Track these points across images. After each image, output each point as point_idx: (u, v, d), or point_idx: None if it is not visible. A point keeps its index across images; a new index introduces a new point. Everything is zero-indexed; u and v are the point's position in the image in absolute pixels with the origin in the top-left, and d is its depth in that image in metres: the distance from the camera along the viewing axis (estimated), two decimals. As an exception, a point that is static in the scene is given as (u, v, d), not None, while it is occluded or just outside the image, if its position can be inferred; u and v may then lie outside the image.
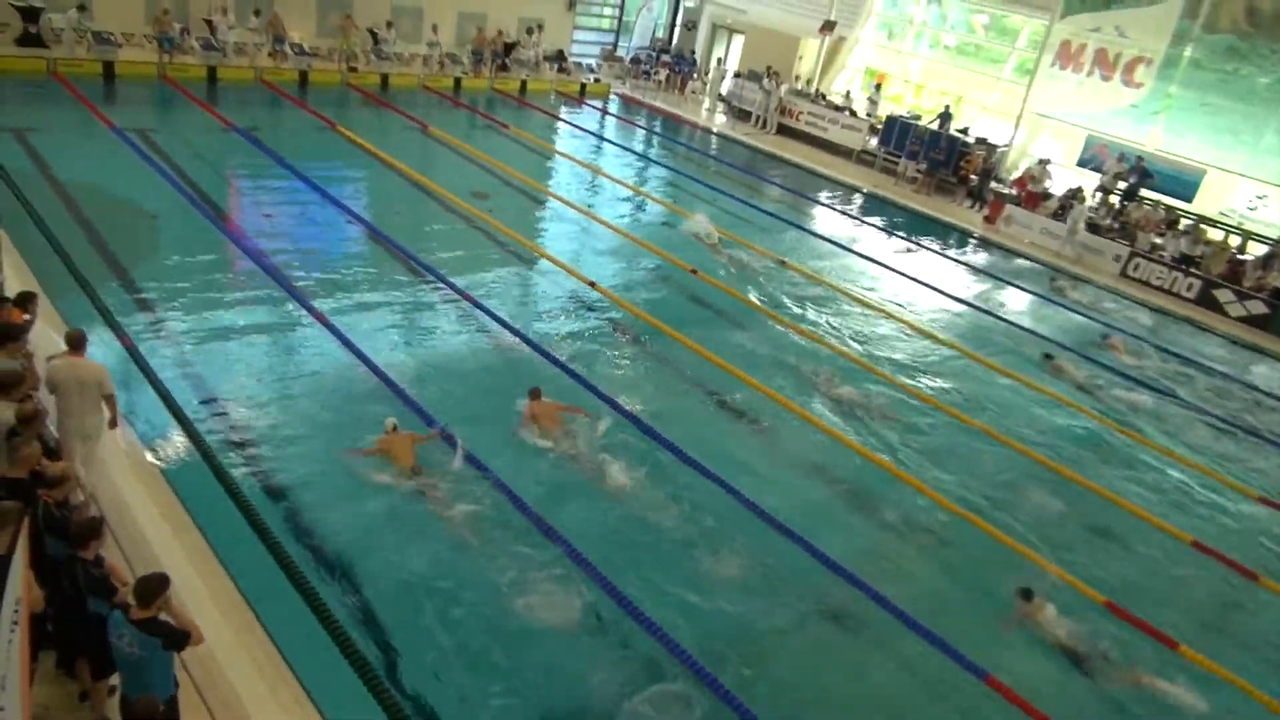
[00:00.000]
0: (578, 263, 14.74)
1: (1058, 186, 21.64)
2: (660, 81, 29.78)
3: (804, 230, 18.97)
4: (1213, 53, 20.73)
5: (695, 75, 30.23)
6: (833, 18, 26.66)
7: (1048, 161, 22.13)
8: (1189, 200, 20.87)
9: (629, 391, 10.83)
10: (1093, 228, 20.25)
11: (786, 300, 14.71)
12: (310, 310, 11.44)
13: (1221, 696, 7.78)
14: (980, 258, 19.66)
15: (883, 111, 25.48)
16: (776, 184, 22.13)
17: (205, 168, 15.98)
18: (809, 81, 27.77)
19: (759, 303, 14.35)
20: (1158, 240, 19.66)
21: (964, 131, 23.69)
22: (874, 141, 24.83)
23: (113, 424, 7.46)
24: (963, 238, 20.79)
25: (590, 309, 13.24)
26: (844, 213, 21.16)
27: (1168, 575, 9.48)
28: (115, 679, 5.37)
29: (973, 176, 22.76)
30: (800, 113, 26.34)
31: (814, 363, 12.39)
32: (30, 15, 19.54)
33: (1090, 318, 16.70)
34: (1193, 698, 7.69)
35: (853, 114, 25.70)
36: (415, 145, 20.29)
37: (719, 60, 30.25)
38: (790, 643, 7.67)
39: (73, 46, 19.98)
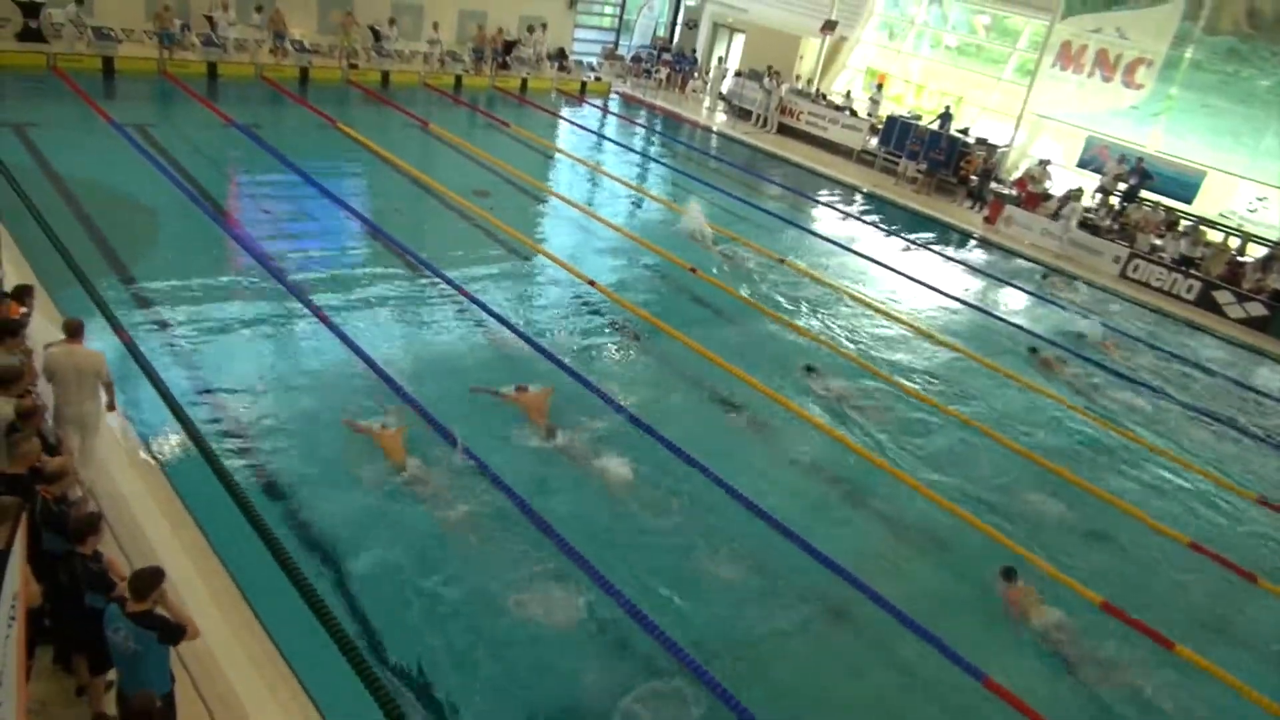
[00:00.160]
0: (577, 261, 14.73)
1: (1058, 187, 21.64)
2: (661, 80, 29.76)
3: (803, 229, 18.96)
4: (1213, 54, 20.74)
5: (696, 74, 30.22)
6: (834, 17, 26.66)
7: (1048, 162, 22.14)
8: (1189, 202, 20.88)
9: (628, 389, 10.83)
10: (1093, 229, 20.27)
11: (786, 299, 14.71)
12: (309, 306, 11.43)
13: (1218, 696, 7.79)
14: (980, 258, 19.65)
15: (884, 112, 25.47)
16: (776, 183, 22.12)
17: (205, 164, 15.97)
18: (809, 81, 27.77)
19: (758, 301, 14.34)
20: (1157, 242, 19.67)
21: (964, 132, 23.70)
22: (874, 141, 24.83)
23: (110, 406, 7.50)
24: (963, 238, 20.79)
25: (589, 307, 13.23)
26: (844, 212, 21.16)
27: (1165, 576, 9.48)
28: (112, 674, 5.37)
29: (973, 177, 22.75)
30: (801, 112, 26.33)
31: (813, 361, 12.37)
32: (30, 10, 19.53)
33: (1087, 317, 16.70)
34: (1189, 698, 7.70)
35: (853, 114, 25.70)
36: (416, 143, 20.28)
37: (720, 59, 30.26)
38: (788, 642, 7.66)
39: (73, 42, 19.96)
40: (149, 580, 4.95)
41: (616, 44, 32.05)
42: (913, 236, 19.90)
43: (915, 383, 12.57)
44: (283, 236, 13.80)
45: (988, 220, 21.50)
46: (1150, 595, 9.01)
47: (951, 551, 9.13)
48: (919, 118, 24.56)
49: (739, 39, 30.78)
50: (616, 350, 12.20)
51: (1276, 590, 9.45)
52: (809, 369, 12.16)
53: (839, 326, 14.11)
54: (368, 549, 7.60)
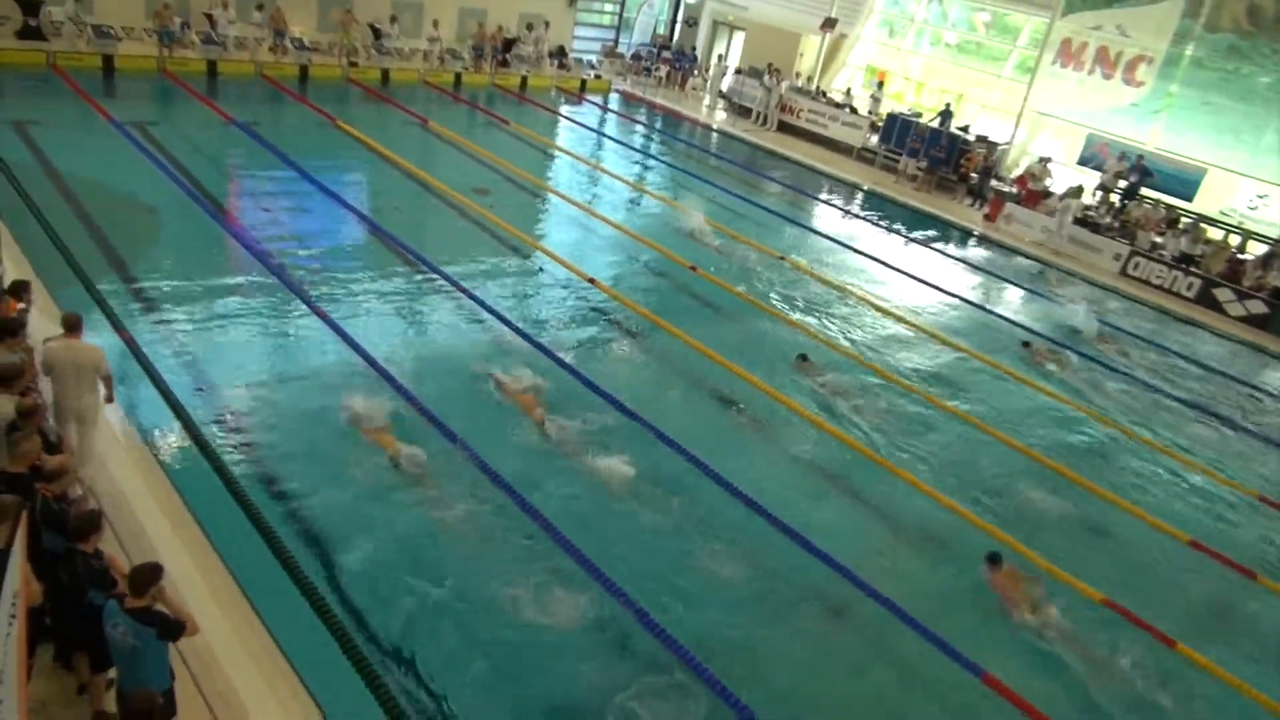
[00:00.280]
0: (577, 259, 14.72)
1: (1058, 185, 21.63)
2: (661, 78, 29.74)
3: (804, 227, 18.96)
4: (1214, 52, 20.72)
5: (696, 72, 30.19)
6: (834, 15, 26.64)
7: (1048, 160, 22.12)
8: (1189, 199, 20.87)
9: (627, 386, 10.81)
10: (1093, 226, 20.26)
11: (786, 297, 14.70)
12: (308, 304, 11.44)
13: (1218, 694, 7.80)
14: (981, 256, 19.64)
15: (885, 109, 25.46)
16: (777, 181, 22.11)
17: (204, 162, 15.96)
18: (810, 78, 27.74)
19: (758, 299, 14.34)
20: (1158, 239, 19.67)
21: (964, 129, 23.69)
22: (874, 139, 24.82)
23: (109, 399, 7.55)
24: (963, 235, 20.79)
25: (589, 304, 13.23)
26: (844, 210, 21.15)
27: (1165, 573, 9.49)
28: (113, 672, 5.37)
29: (973, 174, 22.76)
30: (801, 110, 26.32)
31: (813, 359, 12.37)
32: (30, 8, 19.52)
33: (1085, 314, 16.71)
34: (1189, 696, 7.71)
35: (853, 111, 25.68)
36: (415, 140, 20.27)
37: (720, 57, 30.23)
38: (787, 639, 7.67)
39: (73, 40, 19.95)
40: (147, 576, 4.96)
41: (616, 42, 32.02)
42: (913, 234, 19.90)
43: (914, 379, 12.57)
44: (282, 234, 13.79)
45: (988, 218, 21.49)
46: (1150, 593, 9.02)
47: (951, 549, 9.13)
48: (919, 115, 24.55)
49: (739, 36, 30.75)
50: (615, 347, 12.19)
51: (1276, 588, 9.45)
52: (802, 358, 12.21)
53: (839, 324, 14.11)
54: (367, 546, 7.61)
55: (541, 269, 14.40)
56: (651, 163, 22.54)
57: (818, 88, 27.36)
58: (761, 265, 15.90)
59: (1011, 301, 17.10)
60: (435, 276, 13.06)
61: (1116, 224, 20.43)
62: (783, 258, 16.34)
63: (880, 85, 26.51)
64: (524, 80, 26.70)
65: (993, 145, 23.16)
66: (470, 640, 6.91)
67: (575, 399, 10.33)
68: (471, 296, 12.49)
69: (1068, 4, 22.59)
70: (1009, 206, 21.13)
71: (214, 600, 6.56)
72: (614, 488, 8.88)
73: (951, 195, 22.99)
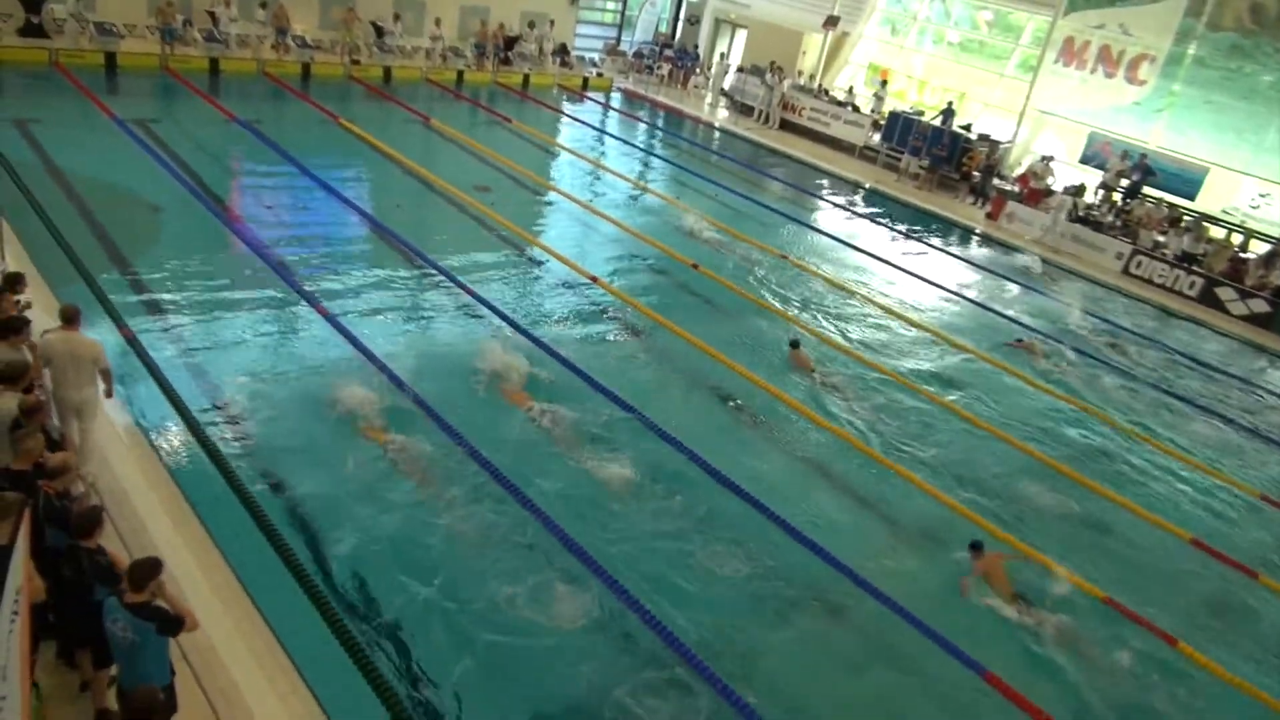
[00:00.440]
0: (579, 257, 14.73)
1: (1060, 184, 21.61)
2: (663, 76, 29.72)
3: (805, 225, 18.95)
4: (1216, 50, 20.69)
5: (698, 70, 30.17)
6: (836, 13, 26.61)
7: (1050, 158, 22.09)
8: (1192, 198, 20.85)
9: (628, 384, 10.81)
10: (1095, 225, 20.25)
11: (787, 295, 14.70)
12: (310, 301, 11.45)
13: (1219, 693, 7.80)
14: (983, 254, 19.62)
15: (887, 108, 25.44)
16: (778, 179, 22.11)
17: (206, 159, 15.97)
18: (812, 77, 27.72)
19: (760, 297, 14.35)
20: (1160, 238, 19.65)
21: (967, 128, 23.65)
22: (877, 137, 24.80)
23: (108, 394, 7.57)
24: (965, 234, 20.78)
25: (590, 302, 13.24)
26: (846, 208, 21.14)
27: (1167, 572, 9.48)
28: (115, 669, 5.38)
29: (975, 173, 22.74)
30: (803, 108, 26.30)
31: (814, 357, 12.38)
32: (32, 6, 19.53)
33: (1085, 313, 16.77)
34: (1191, 695, 7.71)
35: (855, 110, 25.65)
36: (417, 138, 20.27)
37: (722, 55, 30.22)
38: (788, 637, 7.67)
39: (75, 37, 19.97)
40: (147, 571, 4.96)
41: (618, 40, 32.01)
42: (915, 233, 19.89)
43: (914, 377, 12.57)
44: (284, 232, 13.80)
45: (990, 216, 21.48)
46: (1152, 591, 9.01)
47: (951, 547, 9.12)
48: (921, 113, 24.52)
49: (741, 35, 30.73)
50: (616, 345, 12.19)
51: (1278, 587, 9.45)
52: (794, 345, 12.30)
53: (841, 322, 14.11)
54: (369, 542, 7.62)
55: (543, 266, 14.40)
56: (653, 161, 22.53)
57: (820, 86, 27.33)
58: (762, 263, 15.89)
59: (1014, 301, 17.06)
60: (436, 274, 13.07)
61: (1119, 223, 20.41)
62: (784, 256, 16.33)
63: (884, 84, 26.48)
64: (526, 78, 26.70)
65: (995, 144, 23.14)
66: (472, 637, 6.91)
67: (576, 398, 10.33)
68: (472, 293, 12.50)
69: (1070, 2, 22.57)
70: (1011, 205, 21.12)
71: (215, 596, 6.57)
72: (614, 485, 8.88)
73: (954, 194, 22.97)
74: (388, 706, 5.98)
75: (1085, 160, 22.75)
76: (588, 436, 9.59)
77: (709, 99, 29.02)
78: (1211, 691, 7.81)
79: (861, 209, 21.25)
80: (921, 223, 20.76)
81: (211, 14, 22.04)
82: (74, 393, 7.18)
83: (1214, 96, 20.91)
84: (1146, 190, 21.10)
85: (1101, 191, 21.55)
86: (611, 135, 24.13)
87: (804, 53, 28.44)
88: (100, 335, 8.89)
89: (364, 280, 12.63)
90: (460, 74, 25.43)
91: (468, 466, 8.72)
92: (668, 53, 30.42)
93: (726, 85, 28.83)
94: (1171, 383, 14.26)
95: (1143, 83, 21.84)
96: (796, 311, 14.14)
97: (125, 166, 14.91)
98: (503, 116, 22.81)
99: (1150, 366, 14.82)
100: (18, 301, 7.69)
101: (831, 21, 26.59)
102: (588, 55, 29.75)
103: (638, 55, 30.59)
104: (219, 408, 9.09)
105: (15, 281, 7.81)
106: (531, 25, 27.55)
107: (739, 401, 11.17)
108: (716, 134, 26.14)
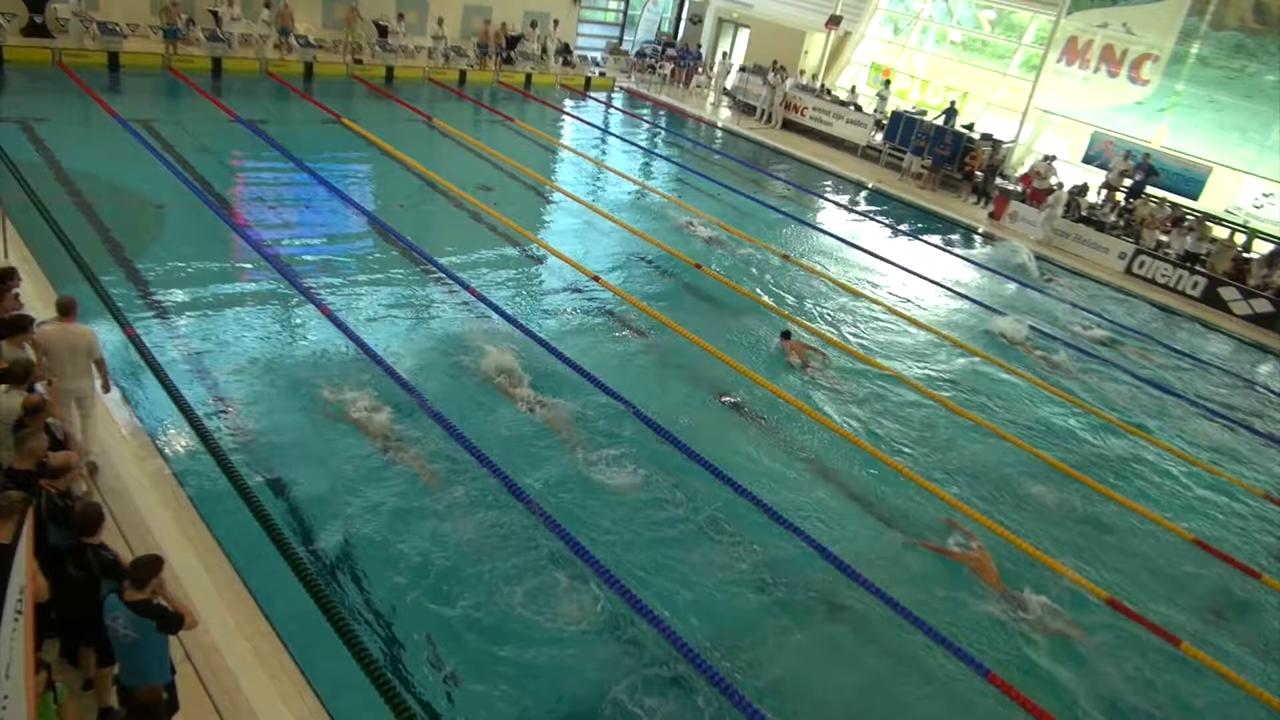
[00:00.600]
0: (581, 256, 14.73)
1: (1064, 183, 21.58)
2: (665, 75, 29.72)
3: (807, 225, 18.94)
4: (1220, 50, 20.67)
5: (700, 69, 30.17)
6: (838, 13, 26.60)
7: (1053, 158, 22.07)
8: (1195, 198, 20.83)
9: (629, 383, 10.82)
10: (1098, 225, 20.23)
11: (789, 295, 14.69)
12: (313, 301, 11.46)
13: (1222, 693, 7.79)
14: (985, 254, 19.59)
15: (890, 107, 25.42)
16: (780, 179, 22.10)
17: (209, 159, 15.98)
18: (814, 76, 27.71)
19: (762, 297, 14.34)
20: (1163, 238, 19.62)
21: (969, 127, 23.64)
22: (879, 137, 24.78)
23: (105, 388, 7.69)
24: (968, 234, 20.76)
25: (593, 301, 13.23)
26: (848, 208, 21.13)
27: (1170, 572, 9.46)
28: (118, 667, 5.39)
29: (978, 172, 22.72)
30: (805, 108, 26.28)
31: (816, 357, 12.37)
32: (36, 5, 19.56)
33: (1080, 308, 16.78)
34: (1193, 695, 7.71)
35: (858, 109, 25.63)
36: (420, 138, 20.28)
37: (724, 54, 30.21)
38: (790, 637, 7.66)
39: (78, 37, 19.99)
40: (148, 568, 4.96)
41: (621, 39, 32.01)
42: (918, 232, 19.87)
43: (917, 376, 12.56)
44: (286, 231, 13.81)
45: (993, 216, 21.46)
46: (1155, 592, 9.01)
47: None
48: (924, 113, 24.50)
49: (743, 34, 30.73)
50: (618, 344, 12.19)
51: (1280, 587, 9.46)
52: (785, 335, 12.38)
53: (841, 321, 14.10)
54: (371, 543, 7.62)
55: (545, 265, 14.40)
56: (655, 160, 22.53)
57: (822, 85, 27.32)
58: (765, 263, 15.88)
59: (1015, 300, 17.04)
60: (439, 273, 13.07)
61: (1121, 222, 20.39)
62: (786, 255, 16.33)
63: (887, 84, 26.46)
64: (528, 78, 26.70)
65: (998, 143, 23.11)
66: (473, 635, 6.92)
67: (576, 397, 10.34)
68: (474, 293, 12.50)
69: (1073, 2, 22.53)
70: (1014, 205, 21.10)
71: (219, 596, 6.58)
72: (615, 483, 8.89)
73: (956, 193, 22.96)
74: (392, 707, 5.99)
75: (1088, 160, 22.73)
76: (588, 435, 9.59)
77: (711, 98, 29.01)
78: (1215, 692, 7.80)
79: (864, 208, 21.23)
80: (924, 222, 20.73)
81: (214, 13, 22.06)
82: (73, 382, 7.32)
83: (1217, 96, 20.89)
84: (1149, 190, 21.07)
85: (1104, 191, 21.52)
86: (614, 135, 24.13)
87: (806, 52, 28.44)
88: (103, 334, 8.91)
89: (366, 279, 12.64)
90: (463, 73, 25.44)
91: (470, 466, 8.72)
92: (670, 52, 30.41)
93: (729, 85, 28.82)
94: (1174, 382, 14.24)
95: (1146, 82, 21.82)
96: (798, 310, 14.12)
97: (128, 166, 14.92)
98: (505, 116, 22.82)
99: (1152, 366, 14.79)
100: (16, 295, 7.69)
101: (834, 21, 26.58)
102: (590, 55, 29.77)
103: (640, 54, 30.58)
104: (221, 406, 9.10)
105: (7, 277, 7.77)
106: (534, 25, 27.56)
107: (740, 400, 11.16)
108: (719, 133, 26.13)
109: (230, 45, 21.84)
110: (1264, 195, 20.49)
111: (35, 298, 9.14)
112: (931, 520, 9.44)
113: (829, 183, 22.69)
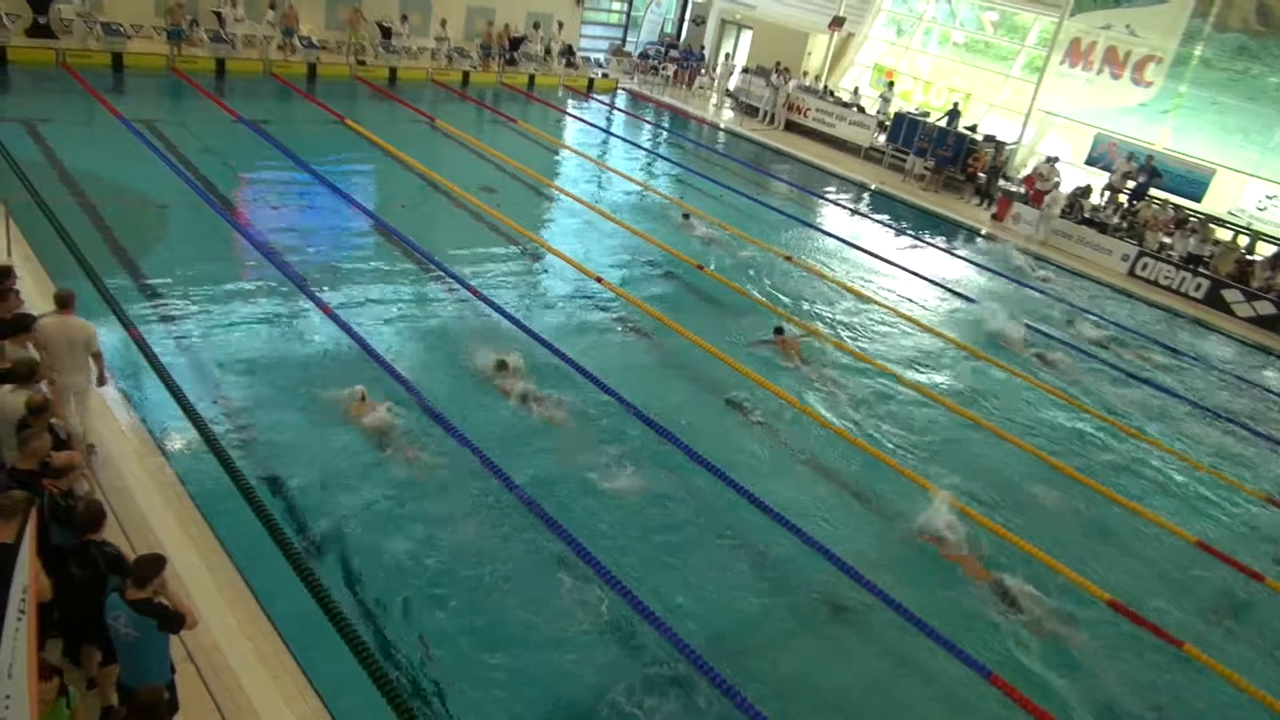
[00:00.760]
0: (583, 257, 14.74)
1: (1066, 185, 21.56)
2: (668, 77, 29.73)
3: (810, 226, 18.94)
4: (1223, 52, 20.66)
5: (703, 71, 30.17)
6: (841, 14, 26.60)
7: (1056, 160, 22.05)
8: (1198, 200, 20.80)
9: (631, 385, 10.81)
10: (1101, 226, 20.21)
11: (791, 296, 14.69)
12: (315, 301, 11.47)
13: (1224, 695, 7.78)
14: (988, 255, 19.57)
15: (893, 109, 25.40)
16: (783, 180, 22.10)
17: (213, 159, 16.01)
18: (817, 78, 27.71)
19: (765, 298, 14.34)
20: (1166, 240, 19.60)
21: (972, 129, 23.62)
22: (882, 138, 24.77)
23: (101, 381, 7.76)
24: (970, 235, 20.74)
25: (595, 302, 13.24)
26: (851, 209, 21.12)
27: (1172, 575, 9.45)
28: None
29: (981, 174, 22.70)
30: (808, 109, 26.27)
31: (818, 357, 12.37)
32: (40, 6, 19.60)
33: (1075, 306, 16.77)
34: (1195, 696, 7.70)
35: (861, 110, 25.63)
36: (423, 139, 20.30)
37: (727, 56, 30.22)
38: (791, 637, 7.66)
39: (82, 37, 20.03)
40: (150, 567, 4.97)
41: (624, 40, 32.02)
42: (920, 234, 19.86)
43: (919, 378, 12.55)
44: (290, 232, 13.83)
45: (996, 218, 21.44)
46: (1157, 594, 8.99)
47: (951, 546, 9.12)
48: (927, 114, 24.49)
49: (746, 35, 30.73)
50: (620, 344, 12.20)
51: (1283, 589, 9.44)
52: (778, 330, 12.40)
53: (842, 322, 14.09)
54: (372, 542, 7.63)
55: (546, 265, 14.40)
56: (658, 162, 22.53)
57: (825, 87, 27.32)
58: (767, 264, 15.88)
59: (1016, 300, 17.01)
60: (441, 274, 13.08)
61: (1124, 224, 20.37)
62: (789, 256, 16.32)
63: (890, 86, 26.45)
64: (531, 79, 26.72)
65: (1000, 145, 23.09)
66: (475, 634, 6.92)
67: (577, 396, 10.34)
68: (477, 293, 12.50)
69: (1076, 3, 22.53)
70: (1017, 206, 21.08)
71: (220, 595, 6.59)
72: (617, 483, 8.90)
73: (959, 195, 22.94)
74: (394, 707, 5.98)
75: (1091, 162, 22.71)
76: (590, 435, 9.59)
77: (714, 100, 29.02)
78: (1217, 694, 7.79)
79: (866, 210, 21.23)
80: (927, 223, 20.72)
81: (218, 15, 22.10)
82: (71, 375, 7.37)
83: (1220, 98, 20.87)
84: (1152, 192, 21.05)
85: (1107, 193, 21.50)
86: (617, 136, 24.13)
87: (809, 53, 28.44)
88: (105, 333, 8.93)
89: (368, 279, 12.65)
90: (466, 75, 25.47)
91: (470, 466, 8.72)
92: (673, 53, 30.43)
93: (731, 86, 28.82)
94: (1176, 385, 14.21)
95: (1149, 84, 21.80)
96: (800, 310, 14.12)
97: (132, 166, 14.95)
98: (508, 117, 22.83)
99: (1155, 368, 14.77)
100: (16, 294, 7.71)
101: (837, 22, 26.59)
102: (593, 56, 29.78)
103: (643, 56, 30.60)
104: (224, 405, 9.11)
105: (4, 276, 7.77)
106: (537, 26, 27.58)
107: (742, 401, 11.14)
108: (721, 135, 26.13)
109: (234, 46, 21.88)
110: (1268, 197, 20.45)
111: (38, 297, 9.16)
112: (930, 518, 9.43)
113: (832, 184, 22.69)
